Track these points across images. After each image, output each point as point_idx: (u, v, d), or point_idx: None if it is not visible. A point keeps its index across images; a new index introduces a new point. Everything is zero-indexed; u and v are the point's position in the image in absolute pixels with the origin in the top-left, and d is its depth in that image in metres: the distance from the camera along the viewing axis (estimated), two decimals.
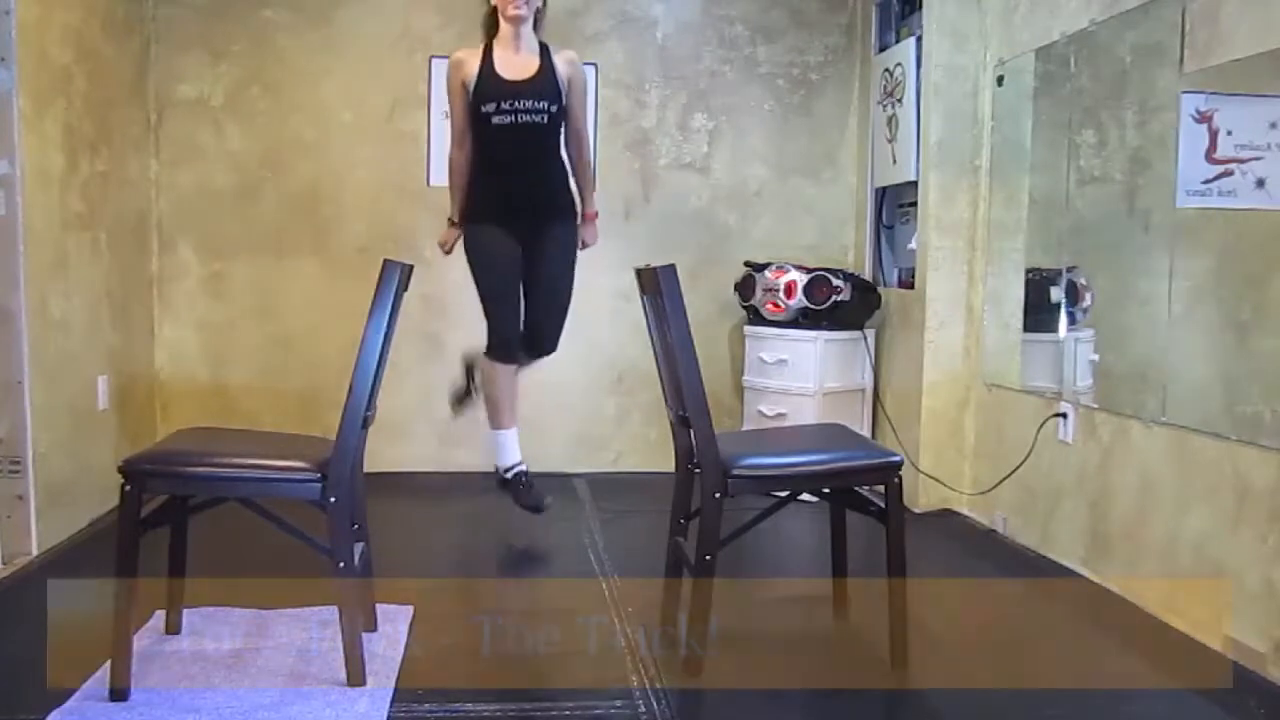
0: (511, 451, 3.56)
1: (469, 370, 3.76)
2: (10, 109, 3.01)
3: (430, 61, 4.30)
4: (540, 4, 3.34)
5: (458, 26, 4.26)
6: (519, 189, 3.38)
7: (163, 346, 4.27)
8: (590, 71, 4.39)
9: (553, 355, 3.57)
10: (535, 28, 3.35)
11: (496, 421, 3.53)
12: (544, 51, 3.36)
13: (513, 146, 3.34)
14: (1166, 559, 2.72)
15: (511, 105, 3.28)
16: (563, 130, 3.42)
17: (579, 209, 3.54)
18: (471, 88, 3.31)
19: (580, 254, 3.70)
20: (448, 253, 3.54)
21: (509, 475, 3.56)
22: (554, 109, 3.32)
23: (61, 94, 3.33)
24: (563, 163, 3.48)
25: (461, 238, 3.49)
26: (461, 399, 3.81)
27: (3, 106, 3.00)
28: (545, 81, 3.30)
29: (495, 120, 3.29)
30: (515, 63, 3.31)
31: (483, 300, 3.44)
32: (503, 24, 3.30)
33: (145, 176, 4.14)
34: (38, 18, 3.15)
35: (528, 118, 3.29)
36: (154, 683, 2.21)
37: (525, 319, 3.48)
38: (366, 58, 4.29)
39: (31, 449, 3.10)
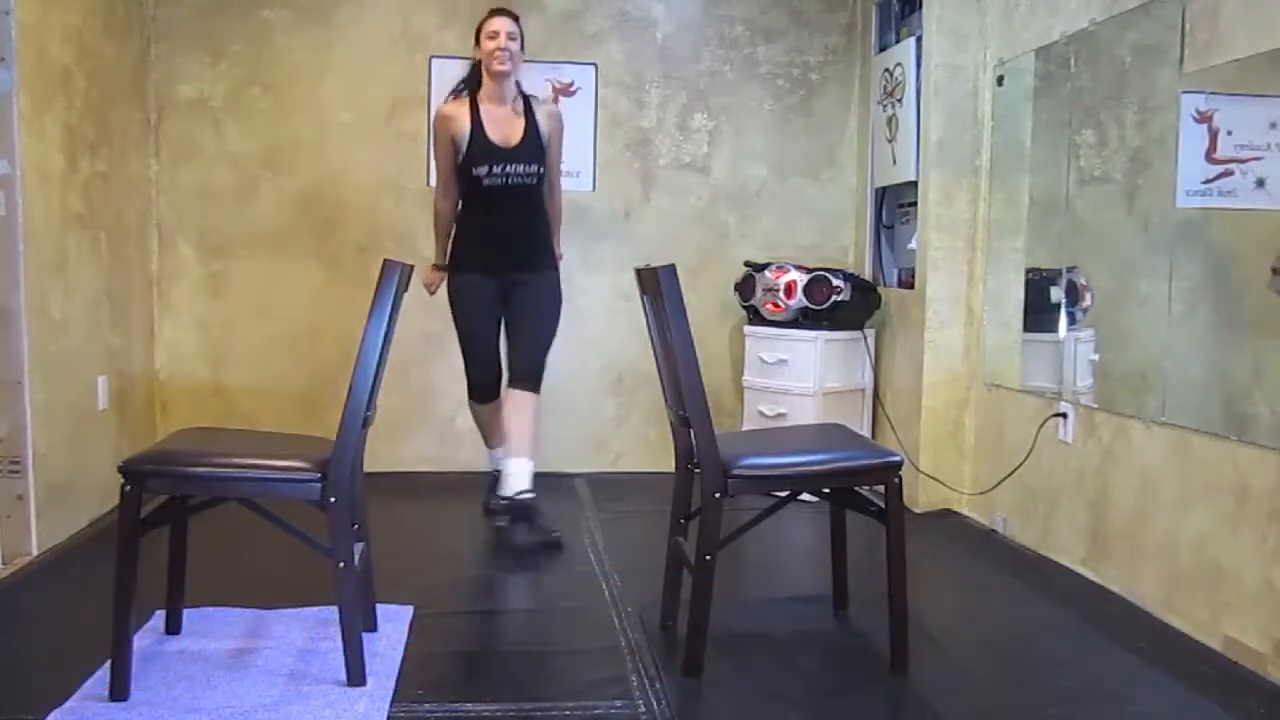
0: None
1: (492, 505, 3.75)
2: (10, 109, 3.01)
3: (430, 61, 4.30)
4: (522, 59, 3.48)
5: (458, 26, 4.26)
6: (505, 243, 3.52)
7: (163, 346, 4.27)
8: (590, 71, 4.40)
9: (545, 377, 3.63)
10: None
11: (487, 443, 3.82)
12: (528, 107, 3.49)
13: (502, 206, 3.49)
14: (1166, 559, 2.72)
15: (503, 169, 3.43)
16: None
17: (558, 261, 3.68)
18: (462, 149, 3.44)
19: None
20: (432, 293, 3.69)
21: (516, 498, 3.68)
22: (541, 170, 3.50)
23: (61, 94, 3.33)
24: (546, 216, 3.62)
25: (446, 282, 3.63)
26: (500, 513, 3.76)
27: (3, 106, 3.00)
28: (532, 145, 3.46)
29: (486, 182, 3.44)
30: (502, 122, 3.45)
31: (462, 350, 3.62)
32: (486, 79, 3.43)
33: (145, 176, 4.14)
34: (38, 18, 3.15)
35: (518, 180, 3.45)
36: (154, 683, 2.21)
37: (509, 358, 3.60)
38: (366, 58, 4.29)
39: (31, 449, 3.10)
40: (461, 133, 3.43)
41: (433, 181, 4.26)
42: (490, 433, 3.76)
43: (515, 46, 3.40)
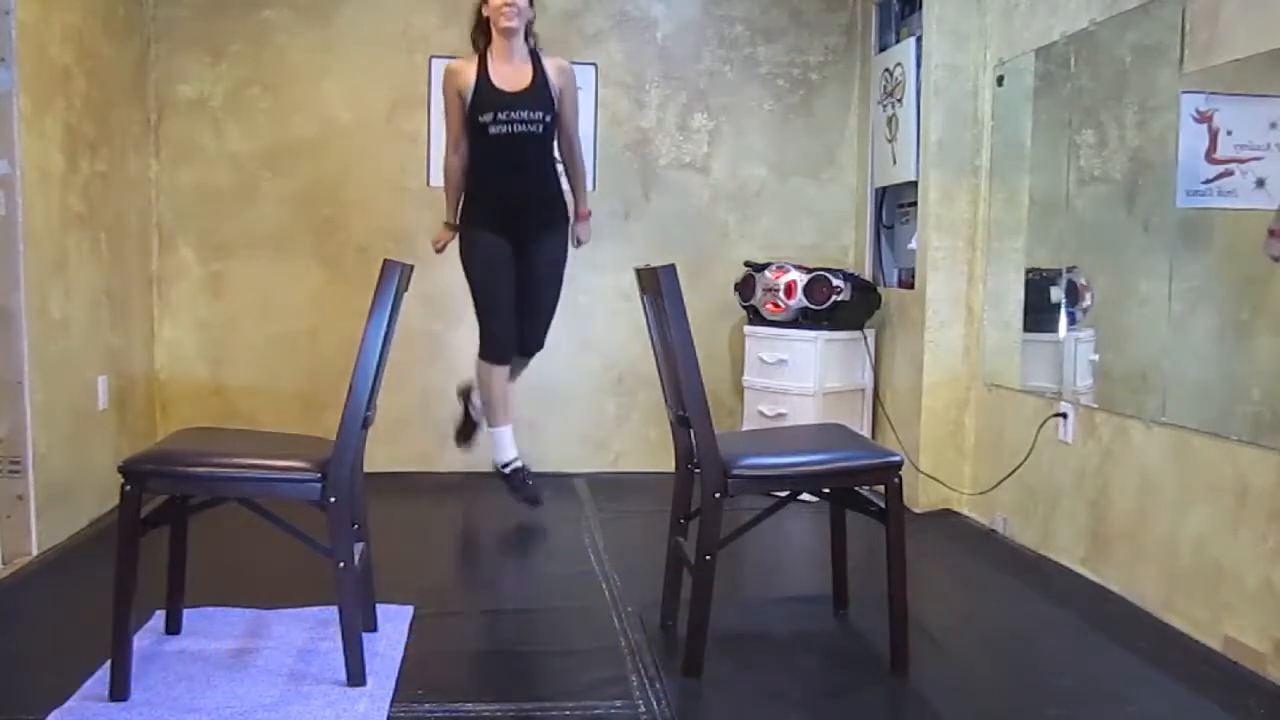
0: (507, 448, 3.71)
1: (466, 403, 3.90)
2: (10, 109, 3.01)
3: (430, 61, 4.30)
4: (531, 15, 3.48)
5: (458, 26, 4.24)
6: (515, 195, 3.52)
7: (163, 346, 4.27)
8: (590, 71, 4.40)
9: (544, 353, 3.73)
10: (525, 37, 3.50)
11: (492, 419, 3.69)
12: (535, 60, 3.50)
13: (509, 154, 3.48)
14: (1166, 559, 2.72)
15: (508, 116, 3.42)
16: (556, 135, 3.57)
17: (571, 212, 3.71)
18: (468, 98, 3.45)
19: (579, 252, 3.83)
20: (439, 251, 3.69)
21: (507, 470, 3.72)
22: (548, 119, 3.47)
23: (61, 94, 3.33)
24: (555, 167, 3.63)
25: (456, 239, 3.63)
26: (468, 433, 3.95)
27: (3, 106, 3.00)
28: (539, 93, 3.45)
29: (492, 130, 3.44)
30: (510, 73, 3.46)
31: (477, 303, 3.59)
32: (495, 36, 3.45)
33: (145, 176, 4.14)
34: (38, 18, 3.15)
35: (523, 128, 3.44)
36: (154, 683, 2.21)
37: (518, 321, 3.62)
38: (366, 58, 4.29)
39: (31, 449, 3.10)
40: (467, 84, 3.45)
41: (433, 182, 4.28)
42: (499, 406, 3.65)
43: (522, 2, 3.41)
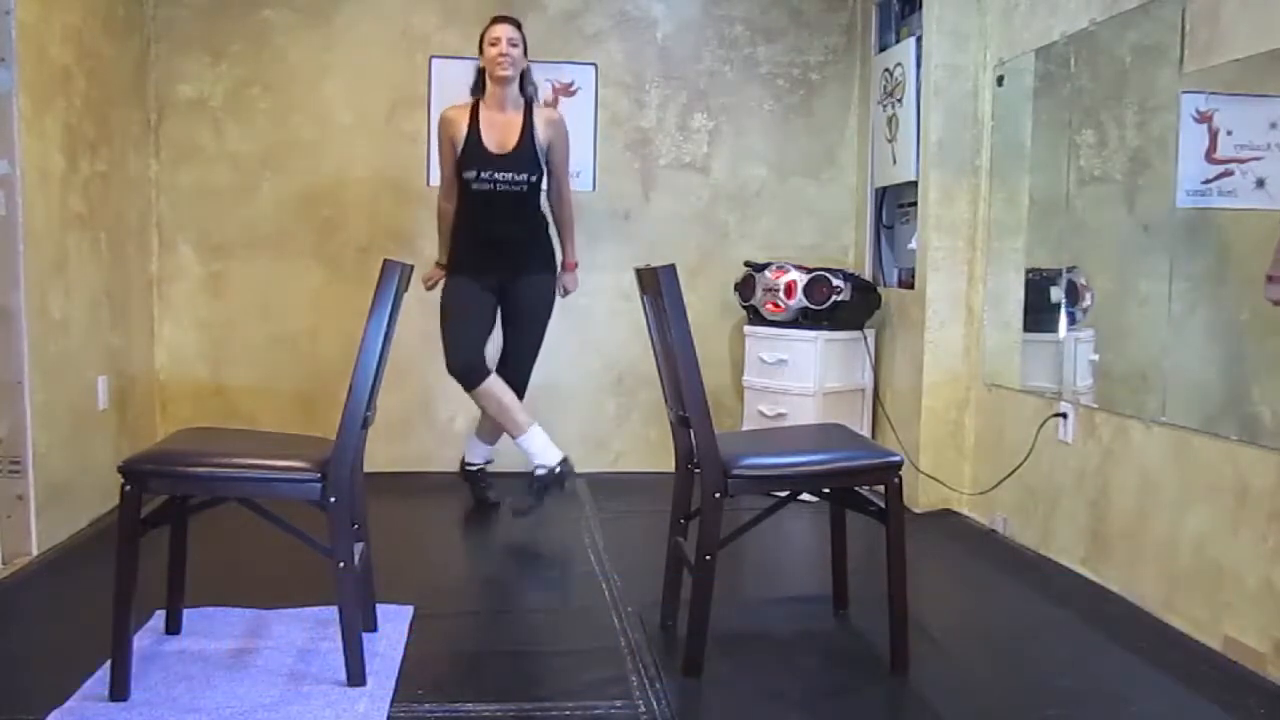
0: (539, 452, 3.60)
1: (468, 479, 3.93)
2: (10, 109, 3.01)
3: (430, 61, 4.30)
4: (525, 65, 3.55)
5: (458, 26, 4.26)
6: (497, 246, 3.58)
7: (163, 346, 4.27)
8: (590, 71, 4.40)
9: (544, 353, 3.76)
10: (521, 86, 3.56)
11: (511, 433, 3.65)
12: (528, 111, 3.56)
13: (490, 210, 3.55)
14: (1166, 559, 2.72)
15: (491, 175, 3.51)
16: (544, 186, 3.64)
17: (558, 259, 3.75)
18: (458, 151, 3.53)
19: (578, 255, 3.79)
20: (429, 288, 3.73)
21: (556, 469, 3.61)
22: (533, 179, 3.55)
23: (61, 94, 3.33)
24: (543, 217, 3.68)
25: (442, 281, 3.70)
26: (488, 502, 3.92)
27: (3, 106, 3.00)
28: (525, 154, 3.52)
29: (474, 186, 3.52)
30: (499, 128, 3.53)
31: (443, 338, 3.59)
32: (490, 84, 3.52)
33: (145, 176, 4.14)
34: (38, 18, 3.15)
35: (506, 187, 3.52)
36: (154, 683, 2.21)
37: (500, 362, 3.69)
38: (366, 58, 4.29)
39: (31, 449, 3.10)
40: (459, 136, 3.52)
41: (433, 181, 4.27)
42: (510, 419, 3.59)
43: (516, 52, 3.49)
